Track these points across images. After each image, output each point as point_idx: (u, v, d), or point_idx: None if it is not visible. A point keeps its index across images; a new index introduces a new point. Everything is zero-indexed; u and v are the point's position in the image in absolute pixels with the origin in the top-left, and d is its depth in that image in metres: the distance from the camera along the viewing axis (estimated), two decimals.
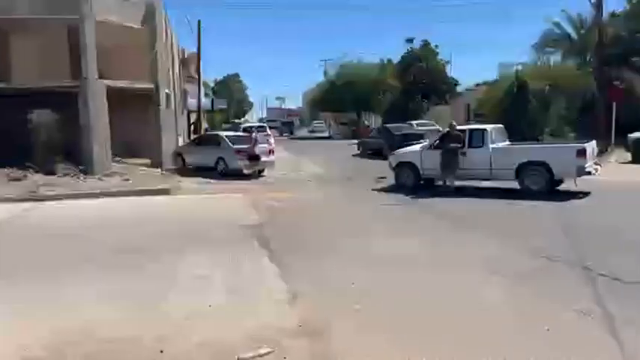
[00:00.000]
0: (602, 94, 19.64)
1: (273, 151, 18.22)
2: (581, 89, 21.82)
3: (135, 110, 19.58)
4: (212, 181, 16.14)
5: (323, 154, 26.69)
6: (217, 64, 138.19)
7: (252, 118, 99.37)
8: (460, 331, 4.35)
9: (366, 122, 48.38)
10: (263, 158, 17.27)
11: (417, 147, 14.06)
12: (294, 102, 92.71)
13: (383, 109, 41.39)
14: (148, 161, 19.63)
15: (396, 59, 40.09)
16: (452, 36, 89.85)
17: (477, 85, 34.44)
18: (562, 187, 12.00)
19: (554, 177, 11.42)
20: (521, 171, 11.66)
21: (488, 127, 12.69)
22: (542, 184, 11.41)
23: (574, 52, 25.17)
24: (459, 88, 37.93)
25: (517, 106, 20.74)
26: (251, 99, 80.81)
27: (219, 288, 5.60)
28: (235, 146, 17.06)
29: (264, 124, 29.11)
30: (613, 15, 23.93)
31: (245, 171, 16.92)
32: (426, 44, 36.62)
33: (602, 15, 20.26)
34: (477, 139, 12.39)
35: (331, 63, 55.06)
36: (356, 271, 6.14)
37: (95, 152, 16.88)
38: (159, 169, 18.38)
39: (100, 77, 17.03)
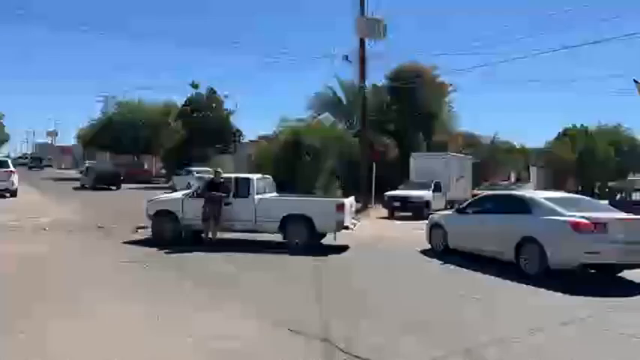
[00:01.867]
0: (364, 155, 21.36)
1: None
2: (348, 149, 23.60)
3: None
4: None
5: (84, 197, 23.11)
6: None
7: (14, 152, 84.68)
8: None
9: (144, 165, 45.15)
10: None
11: (178, 194, 12.61)
12: (67, 139, 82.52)
13: (164, 152, 38.92)
14: None
15: (180, 102, 38.57)
16: (240, 86, 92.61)
17: (260, 137, 35.04)
18: (324, 240, 11.89)
19: (315, 230, 11.19)
20: (285, 223, 11.16)
21: (254, 176, 12.04)
22: (304, 237, 11.05)
23: (343, 115, 27.60)
24: (243, 139, 38.17)
25: (292, 159, 21.21)
26: (7, 131, 68.23)
27: None
28: None
29: (6, 159, 23.99)
30: (374, 86, 27.01)
31: None
32: (212, 92, 36.12)
33: (365, 85, 22.37)
34: (243, 188, 11.58)
35: (111, 100, 50.84)
36: None
37: None
38: None
39: None
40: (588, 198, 11.60)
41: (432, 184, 20.46)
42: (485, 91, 78.72)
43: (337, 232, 11.29)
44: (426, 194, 19.83)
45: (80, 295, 6.84)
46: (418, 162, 22.77)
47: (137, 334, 5.41)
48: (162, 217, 11.78)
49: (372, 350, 5.03)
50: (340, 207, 11.09)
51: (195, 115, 35.38)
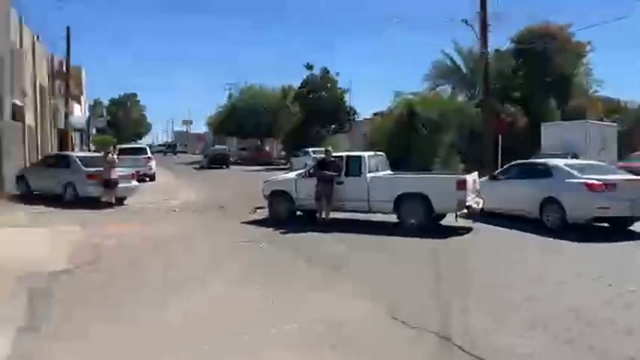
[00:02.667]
0: (488, 126, 19.68)
1: (136, 176, 15.78)
2: (469, 121, 21.92)
3: None
4: (54, 210, 13.45)
5: (210, 181, 24.60)
6: (115, 83, 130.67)
7: (157, 140, 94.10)
8: None
9: (266, 148, 47.03)
10: (123, 184, 14.82)
11: (292, 174, 12.60)
12: (200, 126, 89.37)
13: (284, 135, 40.19)
14: None
15: (296, 85, 39.24)
16: (352, 65, 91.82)
17: (375, 114, 34.37)
18: (444, 221, 11.05)
19: (433, 210, 10.41)
20: (399, 203, 10.54)
21: (366, 154, 11.53)
22: (420, 218, 10.34)
23: (463, 85, 25.66)
24: (357, 118, 37.79)
25: (407, 134, 20.24)
26: (149, 120, 76.07)
27: None
28: (87, 169, 14.50)
29: (144, 146, 26.43)
30: (497, 51, 24.72)
31: (103, 199, 14.35)
32: (325, 72, 36.17)
33: (487, 51, 20.51)
34: (355, 166, 11.15)
35: (236, 87, 53.61)
36: None
37: None
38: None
39: None
40: (605, 164, 13.01)
41: (569, 157, 18.19)
42: (628, 49, 68.77)
43: (458, 213, 10.39)
44: None
45: (200, 276, 6.97)
46: (551, 132, 20.47)
47: (252, 316, 5.30)
48: (277, 197, 11.86)
49: (497, 352, 4.32)
50: (461, 184, 10.16)
51: (310, 96, 35.81)
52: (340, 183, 11.05)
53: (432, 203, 10.24)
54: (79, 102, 36.96)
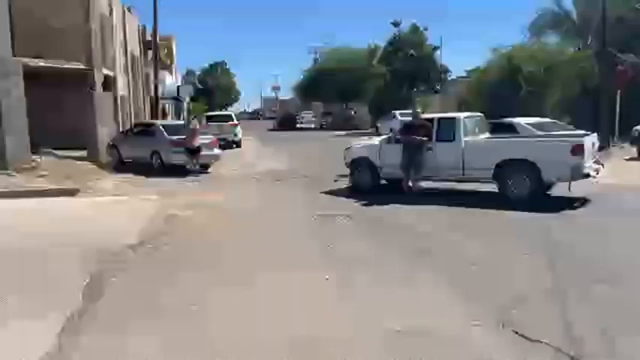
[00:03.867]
0: (604, 80, 17.01)
1: (217, 143, 15.57)
2: (580, 75, 19.10)
3: (72, 95, 17.14)
4: (139, 178, 13.60)
5: (294, 147, 24.17)
6: (204, 51, 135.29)
7: (247, 108, 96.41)
8: None
9: (353, 111, 45.78)
10: (206, 152, 14.67)
11: (376, 140, 11.54)
12: (288, 92, 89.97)
13: (369, 98, 38.72)
14: (84, 153, 17.17)
15: (382, 43, 37.30)
16: (443, 19, 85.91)
17: (469, 72, 31.77)
18: (555, 191, 9.48)
19: (542, 180, 8.89)
20: (501, 171, 9.13)
21: (461, 115, 10.10)
22: (526, 189, 8.88)
23: (573, 34, 22.37)
24: (450, 76, 35.17)
25: (508, 93, 18.06)
26: (238, 87, 77.62)
27: None
28: (171, 137, 14.48)
29: (230, 113, 26.58)
30: None
31: (187, 166, 14.34)
32: (414, 28, 33.83)
33: None
34: (447, 130, 9.83)
35: (320, 50, 52.47)
36: None
37: (8, 143, 14.29)
38: (93, 163, 15.90)
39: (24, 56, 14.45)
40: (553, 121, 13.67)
41: None
42: None
43: (573, 182, 8.78)
44: None
45: (269, 259, 6.30)
46: None
47: (325, 315, 4.51)
48: (359, 165, 10.92)
49: None
50: (578, 149, 8.52)
51: (398, 55, 33.86)
52: (430, 149, 9.83)
53: (540, 171, 8.73)
54: (171, 71, 38.09)
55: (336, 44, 46.92)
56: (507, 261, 5.84)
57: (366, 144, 11.41)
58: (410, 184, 10.06)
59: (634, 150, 15.70)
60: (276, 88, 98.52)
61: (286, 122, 44.59)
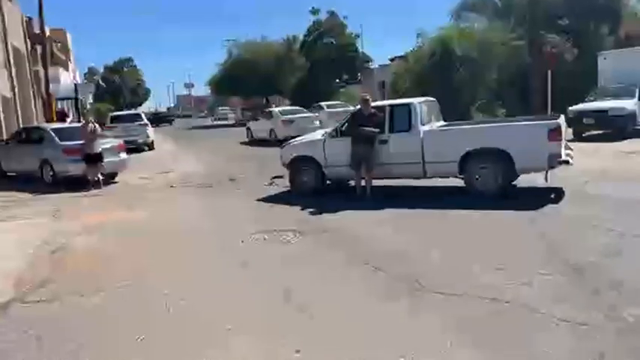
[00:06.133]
0: (534, 62, 16.62)
1: (124, 148, 13.10)
2: (509, 58, 18.68)
3: None
4: (25, 196, 10.94)
5: (214, 146, 21.93)
6: (108, 50, 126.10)
7: (159, 107, 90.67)
8: None
9: (272, 106, 43.80)
10: (110, 158, 12.20)
11: (317, 134, 9.90)
12: (202, 89, 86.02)
13: (290, 90, 37.03)
14: None
15: (301, 35, 35.65)
16: (360, 7, 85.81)
17: (392, 59, 31.03)
18: (524, 180, 8.37)
19: (514, 170, 7.73)
20: (468, 163, 7.85)
21: (415, 100, 8.69)
22: (498, 182, 7.68)
23: (496, 16, 22.04)
24: (371, 65, 34.25)
25: (441, 78, 17.14)
26: (148, 85, 72.54)
27: None
28: (64, 143, 11.86)
29: (140, 112, 23.75)
30: None
31: (88, 177, 11.79)
32: (332, 15, 32.56)
33: None
34: (401, 118, 8.39)
35: (234, 43, 49.79)
36: None
37: None
38: None
39: None
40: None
41: (638, 91, 15.23)
42: None
43: (549, 171, 7.69)
44: (629, 104, 14.81)
45: (199, 310, 4.44)
46: (610, 62, 17.27)
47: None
48: (300, 165, 9.22)
49: None
50: (555, 133, 7.41)
51: (317, 44, 32.46)
52: (384, 142, 8.35)
53: (513, 160, 7.54)
54: (67, 68, 33.91)
55: (251, 37, 44.65)
56: (535, 293, 4.41)
57: (306, 140, 9.70)
58: (363, 183, 8.52)
59: (570, 131, 15.39)
60: (189, 85, 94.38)
61: (163, 120, 47.86)
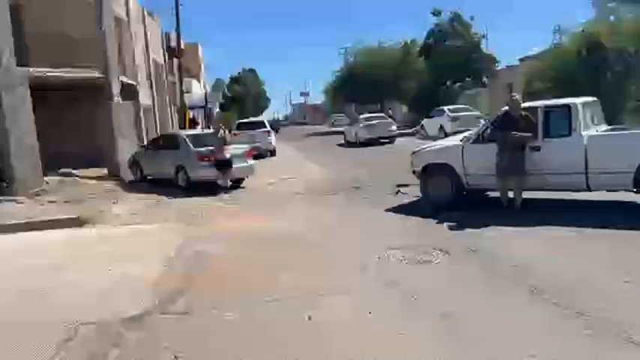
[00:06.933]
0: None
1: (252, 154, 13.32)
2: None
3: (88, 108, 15.37)
4: (162, 199, 11.50)
5: (333, 153, 21.81)
6: (230, 58, 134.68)
7: (277, 115, 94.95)
8: None
9: (389, 112, 43.06)
10: (239, 164, 12.45)
11: (455, 139, 9.04)
12: (317, 96, 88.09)
13: (409, 96, 36.00)
14: (104, 172, 15.32)
15: (420, 38, 34.44)
16: (486, 6, 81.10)
17: (522, 59, 28.66)
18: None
19: None
20: None
21: (577, 101, 7.48)
22: None
23: None
24: (497, 66, 31.92)
25: (589, 76, 15.12)
26: (269, 95, 75.89)
27: None
28: (197, 149, 12.32)
29: (263, 120, 24.52)
30: None
31: (219, 182, 12.15)
32: (456, 17, 30.96)
33: None
34: (559, 122, 7.26)
35: (351, 50, 49.99)
36: None
37: (17, 165, 12.45)
38: (113, 182, 14.02)
39: (25, 65, 12.65)
40: None
41: None
42: None
43: None
44: None
45: (343, 335, 3.95)
46: None
47: None
48: (434, 173, 8.45)
49: None
50: None
51: (439, 47, 31.07)
52: (536, 148, 7.29)
53: None
54: (198, 79, 36.44)
55: (368, 43, 44.42)
56: None
57: (442, 146, 8.91)
58: (511, 195, 7.53)
59: None
60: (305, 94, 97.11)
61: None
